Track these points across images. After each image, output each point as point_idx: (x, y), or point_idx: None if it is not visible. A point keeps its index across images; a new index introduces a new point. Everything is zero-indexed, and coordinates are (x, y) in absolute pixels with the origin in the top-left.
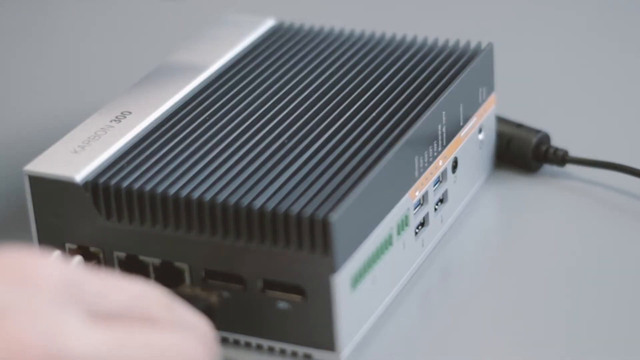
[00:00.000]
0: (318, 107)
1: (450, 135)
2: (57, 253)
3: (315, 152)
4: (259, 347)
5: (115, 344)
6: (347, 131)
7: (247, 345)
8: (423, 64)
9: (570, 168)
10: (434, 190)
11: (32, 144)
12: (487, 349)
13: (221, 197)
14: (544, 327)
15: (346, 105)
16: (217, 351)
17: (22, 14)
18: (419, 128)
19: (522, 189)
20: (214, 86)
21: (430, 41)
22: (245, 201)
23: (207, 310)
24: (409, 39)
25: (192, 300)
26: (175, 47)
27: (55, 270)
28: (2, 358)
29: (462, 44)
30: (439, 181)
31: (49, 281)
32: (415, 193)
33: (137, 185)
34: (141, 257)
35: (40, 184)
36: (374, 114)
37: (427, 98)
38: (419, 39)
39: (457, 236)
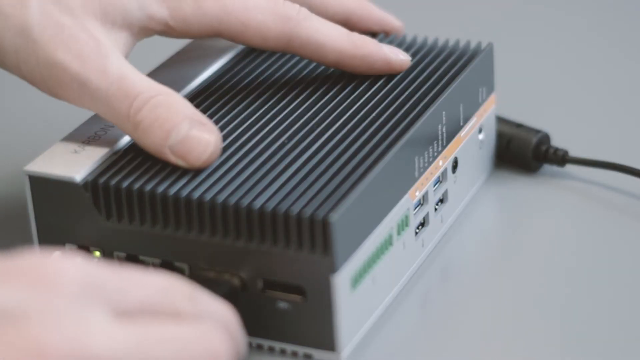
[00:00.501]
0: (318, 107)
1: (451, 135)
2: (57, 253)
3: (315, 152)
4: (259, 347)
5: (140, 340)
6: (347, 131)
7: (248, 345)
8: (423, 64)
9: (570, 168)
10: (434, 190)
11: (32, 144)
12: (487, 349)
13: (221, 197)
14: (543, 327)
15: (346, 105)
16: (242, 338)
17: None
18: (419, 128)
19: (522, 189)
20: (214, 86)
21: (430, 41)
22: (246, 201)
23: (231, 292)
24: (409, 39)
25: (214, 284)
26: (176, 48)
27: (76, 271)
28: None
29: (462, 44)
30: (439, 181)
31: (70, 282)
32: (415, 193)
33: (137, 185)
34: (141, 257)
35: (40, 184)
36: (374, 114)
37: (427, 98)
38: (419, 39)
39: (457, 236)
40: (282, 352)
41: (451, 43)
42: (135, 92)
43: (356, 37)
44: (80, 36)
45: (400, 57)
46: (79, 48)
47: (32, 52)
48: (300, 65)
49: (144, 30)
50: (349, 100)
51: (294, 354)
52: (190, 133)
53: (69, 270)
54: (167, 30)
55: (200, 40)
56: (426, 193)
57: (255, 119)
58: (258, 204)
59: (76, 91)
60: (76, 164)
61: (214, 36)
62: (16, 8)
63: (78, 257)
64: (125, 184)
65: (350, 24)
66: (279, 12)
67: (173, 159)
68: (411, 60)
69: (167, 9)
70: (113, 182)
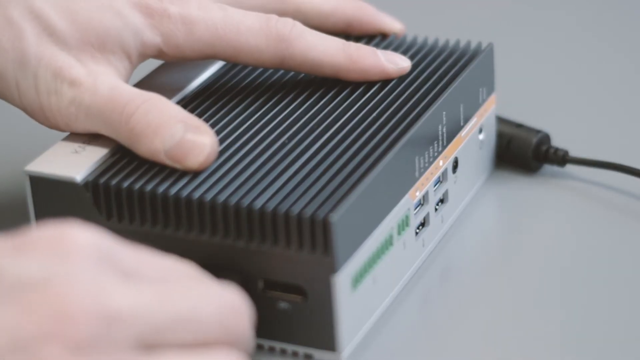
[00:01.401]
0: (319, 107)
1: (451, 135)
2: (71, 224)
3: (316, 153)
4: (260, 348)
5: (161, 295)
6: (348, 131)
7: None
8: (423, 64)
9: (570, 168)
10: (435, 190)
11: (32, 144)
12: (487, 349)
13: (222, 197)
14: (543, 327)
15: (347, 105)
16: (252, 326)
17: None
18: (420, 128)
19: (522, 189)
20: (215, 86)
21: (430, 41)
22: (246, 201)
23: (244, 282)
24: (409, 39)
25: (227, 272)
26: None
27: (91, 240)
28: (51, 327)
29: (462, 44)
30: (439, 181)
31: (86, 250)
32: (415, 193)
33: (137, 186)
34: None
35: (40, 184)
36: (374, 114)
37: (428, 98)
38: (419, 39)
39: (458, 236)
40: (283, 352)
41: (451, 43)
42: (125, 100)
43: (353, 49)
44: (74, 64)
45: (399, 66)
46: (73, 75)
47: (32, 84)
48: None
49: (140, 55)
50: (349, 101)
51: (295, 354)
52: (185, 136)
53: (84, 240)
54: (161, 55)
55: None
56: (426, 193)
57: (255, 119)
58: (258, 204)
59: (73, 114)
60: (77, 164)
61: (208, 59)
62: (14, 42)
63: (92, 228)
64: (125, 184)
65: (350, 30)
66: (271, 33)
67: (169, 163)
68: (411, 61)
69: (159, 35)
70: (114, 182)
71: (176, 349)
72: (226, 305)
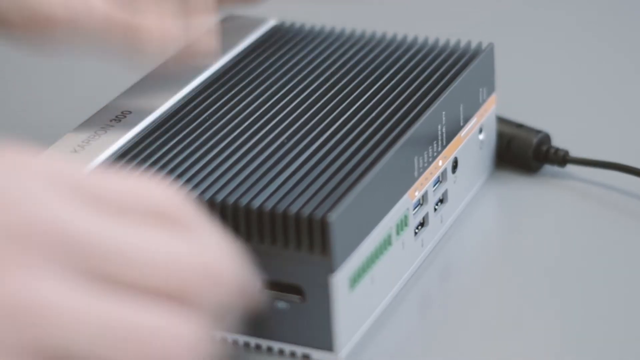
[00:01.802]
0: (318, 107)
1: (450, 135)
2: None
3: (315, 152)
4: (258, 347)
5: (114, 226)
6: (347, 131)
7: (246, 345)
8: (423, 64)
9: (570, 168)
10: (434, 190)
11: (32, 143)
12: (487, 350)
13: (220, 197)
14: (544, 327)
15: (346, 105)
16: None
17: None
18: (419, 128)
19: (522, 189)
20: (214, 86)
21: (430, 41)
22: (244, 201)
23: None
24: (409, 39)
25: None
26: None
27: (43, 163)
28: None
29: (462, 44)
30: (438, 181)
31: (35, 169)
32: (414, 193)
33: None
34: None
35: None
36: (373, 114)
37: (427, 98)
38: (420, 39)
39: (457, 236)
40: (281, 352)
41: (451, 43)
42: None
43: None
44: None
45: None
46: None
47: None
48: (300, 65)
49: None
50: (348, 100)
51: (292, 354)
52: None
53: (39, 164)
54: None
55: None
56: (425, 193)
57: (254, 118)
58: (257, 203)
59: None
60: (75, 163)
61: None
62: None
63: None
64: None
65: None
66: None
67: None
68: (411, 60)
69: None
70: None
71: (131, 291)
72: (197, 266)
